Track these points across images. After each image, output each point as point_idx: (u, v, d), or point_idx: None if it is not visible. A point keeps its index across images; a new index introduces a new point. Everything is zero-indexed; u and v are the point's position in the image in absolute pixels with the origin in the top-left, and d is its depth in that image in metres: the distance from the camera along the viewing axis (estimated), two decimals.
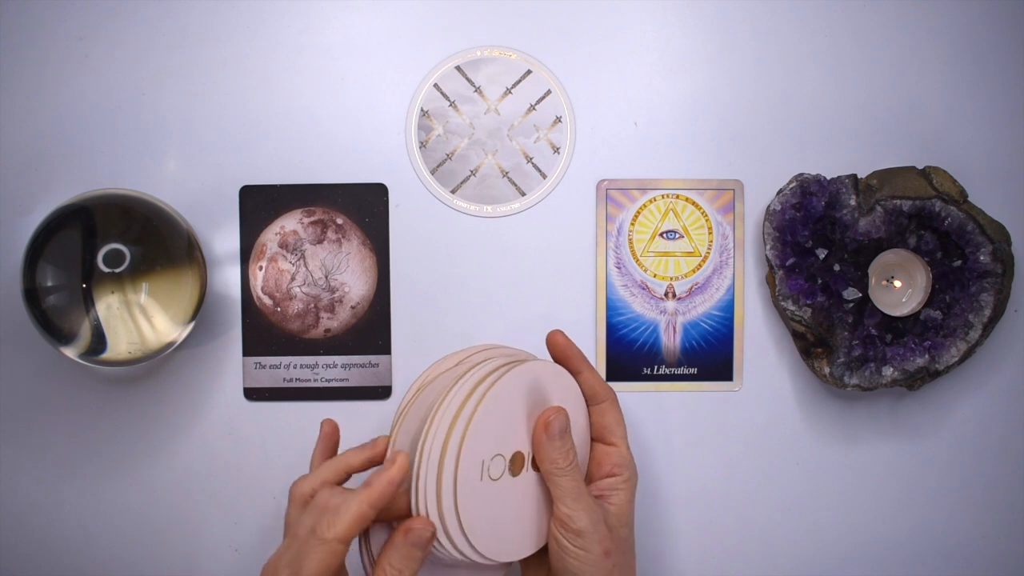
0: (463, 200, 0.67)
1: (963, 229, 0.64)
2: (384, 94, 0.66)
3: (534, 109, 0.67)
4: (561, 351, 0.60)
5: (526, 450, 0.57)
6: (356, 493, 0.52)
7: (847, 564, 0.68)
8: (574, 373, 0.59)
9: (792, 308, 0.65)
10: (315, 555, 0.52)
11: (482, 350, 0.60)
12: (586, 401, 0.59)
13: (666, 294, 0.67)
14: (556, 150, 0.67)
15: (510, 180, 0.67)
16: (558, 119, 0.67)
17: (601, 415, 0.59)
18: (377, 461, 0.57)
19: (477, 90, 0.66)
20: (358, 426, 0.67)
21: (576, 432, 0.58)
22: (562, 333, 0.60)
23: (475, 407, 0.54)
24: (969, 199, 0.65)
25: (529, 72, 0.66)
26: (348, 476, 0.56)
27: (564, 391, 0.58)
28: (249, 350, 0.66)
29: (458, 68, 0.66)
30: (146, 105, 0.66)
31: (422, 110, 0.66)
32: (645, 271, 0.67)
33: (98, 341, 0.59)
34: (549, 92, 0.67)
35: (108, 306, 0.59)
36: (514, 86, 0.67)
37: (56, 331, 0.59)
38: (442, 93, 0.66)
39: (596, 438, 0.60)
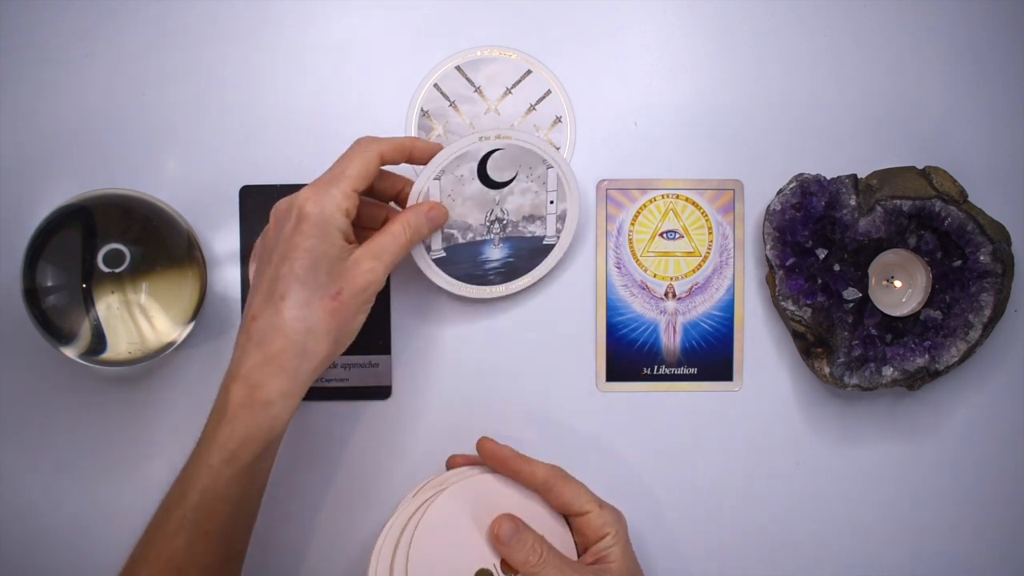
0: None
1: (963, 229, 0.64)
2: (384, 94, 0.66)
3: (534, 109, 0.67)
4: (491, 458, 0.59)
5: (491, 564, 0.57)
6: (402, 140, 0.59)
7: (847, 564, 0.68)
8: (511, 475, 0.59)
9: (792, 308, 0.65)
10: (358, 158, 0.56)
11: (426, 485, 0.60)
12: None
13: (666, 294, 0.67)
14: (556, 150, 0.67)
15: None
16: (558, 119, 0.67)
17: (555, 499, 0.59)
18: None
19: (477, 90, 0.66)
20: (358, 426, 0.67)
21: (544, 518, 0.58)
22: (490, 440, 0.59)
23: (408, 543, 0.55)
24: (969, 199, 0.65)
25: (529, 72, 0.66)
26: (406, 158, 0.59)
27: (513, 488, 0.59)
28: None
29: (458, 68, 0.66)
30: (146, 105, 0.66)
31: (422, 110, 0.66)
32: (645, 271, 0.67)
33: (98, 341, 0.59)
34: (549, 92, 0.67)
35: (108, 306, 0.59)
36: (514, 86, 0.67)
37: (56, 331, 0.59)
38: (442, 93, 0.66)
39: (567, 516, 0.59)
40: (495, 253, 0.64)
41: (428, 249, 0.63)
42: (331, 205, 0.55)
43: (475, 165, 0.62)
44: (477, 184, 0.62)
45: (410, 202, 0.61)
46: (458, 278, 0.64)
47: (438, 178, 0.61)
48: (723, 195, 0.67)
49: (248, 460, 0.54)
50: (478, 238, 0.64)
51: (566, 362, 0.67)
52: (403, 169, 0.64)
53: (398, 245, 0.57)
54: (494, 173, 0.62)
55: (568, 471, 0.67)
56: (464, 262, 0.64)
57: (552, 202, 0.63)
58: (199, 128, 0.66)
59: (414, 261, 0.63)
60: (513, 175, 0.63)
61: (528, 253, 0.65)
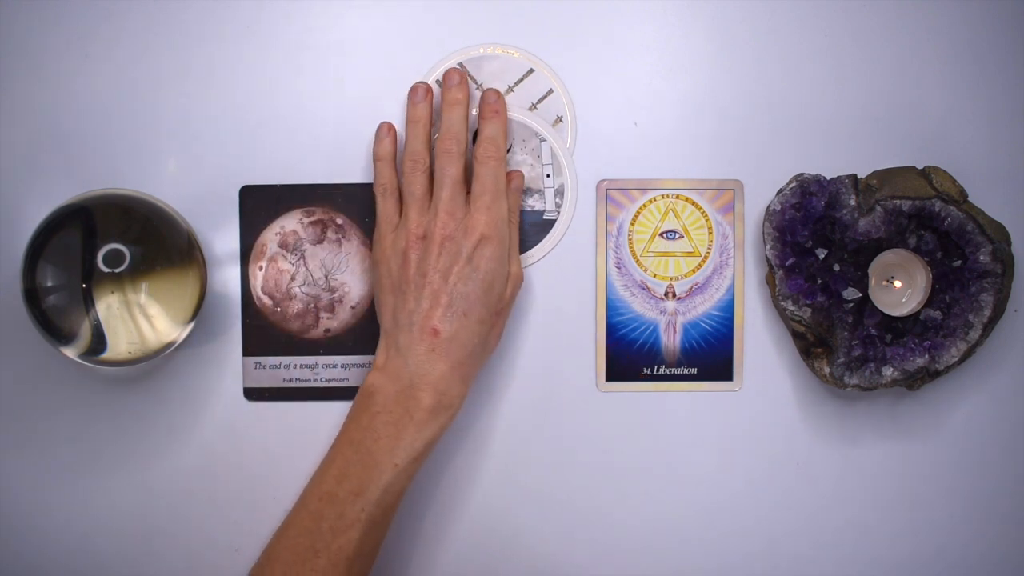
0: None
1: (963, 229, 0.64)
2: (386, 91, 0.66)
3: (536, 108, 0.67)
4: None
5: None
6: (488, 118, 0.64)
7: (847, 564, 0.68)
8: None
9: (792, 308, 0.65)
10: (502, 173, 0.63)
11: None
12: None
13: (666, 294, 0.67)
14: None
15: None
16: (559, 118, 0.67)
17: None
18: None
19: (479, 87, 0.66)
20: None
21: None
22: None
23: None
24: (969, 199, 0.65)
25: (531, 71, 0.66)
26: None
27: None
28: (249, 350, 0.66)
29: (460, 65, 0.66)
30: (146, 105, 0.66)
31: None
32: (645, 271, 0.67)
33: (98, 341, 0.59)
34: (551, 91, 0.67)
35: (108, 306, 0.59)
36: (516, 84, 0.67)
37: (56, 331, 0.59)
38: None
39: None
40: None
41: None
42: (504, 227, 0.62)
43: (470, 137, 0.64)
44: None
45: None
46: None
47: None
48: (723, 195, 0.67)
49: (427, 457, 0.61)
50: None
51: (566, 362, 0.67)
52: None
53: (515, 237, 0.64)
54: None
55: (568, 471, 0.67)
56: None
57: (548, 175, 0.65)
58: (199, 128, 0.66)
59: None
60: (507, 148, 0.65)
61: (530, 228, 0.66)
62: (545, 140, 0.65)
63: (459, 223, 0.61)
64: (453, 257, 0.60)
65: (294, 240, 0.66)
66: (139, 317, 0.60)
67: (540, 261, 0.67)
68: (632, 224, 0.67)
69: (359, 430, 0.60)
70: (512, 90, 0.66)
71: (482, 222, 0.60)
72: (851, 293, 0.64)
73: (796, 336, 0.66)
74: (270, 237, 0.66)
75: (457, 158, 0.62)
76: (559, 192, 0.66)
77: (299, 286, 0.66)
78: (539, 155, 0.66)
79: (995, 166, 0.67)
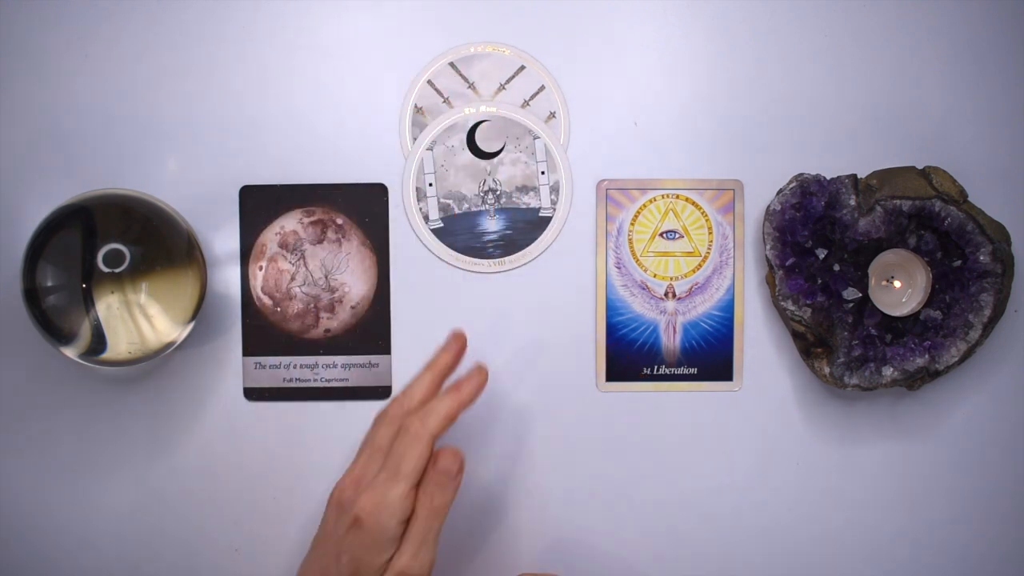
0: None
1: (963, 229, 0.64)
2: (381, 93, 0.66)
3: (528, 104, 0.67)
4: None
5: None
6: (447, 394, 0.58)
7: (847, 564, 0.68)
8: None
9: (792, 308, 0.65)
10: (413, 452, 0.55)
11: None
12: None
13: (666, 294, 0.67)
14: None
15: None
16: (552, 114, 0.67)
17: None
18: (459, 354, 0.61)
19: (471, 86, 0.67)
20: (358, 426, 0.66)
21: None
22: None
23: None
24: (969, 199, 0.65)
25: (523, 68, 0.67)
26: (444, 379, 0.60)
27: None
28: (249, 350, 0.66)
29: (451, 64, 0.67)
30: (146, 105, 0.66)
31: (416, 106, 0.66)
32: (645, 271, 0.67)
33: (98, 341, 0.59)
34: (543, 88, 0.67)
35: (108, 306, 0.59)
36: (508, 82, 0.67)
37: (56, 331, 0.59)
38: (436, 90, 0.66)
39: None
40: (492, 225, 0.66)
41: (426, 219, 0.66)
42: (387, 515, 0.54)
43: (464, 136, 0.65)
44: (468, 155, 0.65)
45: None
46: (457, 250, 0.66)
47: (431, 149, 0.65)
48: (723, 195, 0.67)
49: None
50: (473, 208, 0.66)
51: (566, 362, 0.67)
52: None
53: (429, 528, 0.55)
54: (483, 143, 0.66)
55: (568, 470, 0.67)
56: (462, 233, 0.66)
57: (543, 172, 0.66)
58: (199, 128, 0.66)
59: (413, 234, 0.66)
60: (501, 145, 0.66)
61: (525, 225, 0.66)
62: (539, 137, 0.65)
63: (357, 494, 0.55)
64: (334, 529, 0.55)
65: (294, 240, 0.66)
66: (139, 317, 0.60)
67: (537, 259, 0.67)
68: (632, 224, 0.67)
69: None
70: (504, 87, 0.66)
71: (362, 502, 0.54)
72: (851, 293, 0.64)
73: (796, 336, 0.66)
74: (270, 237, 0.66)
75: (387, 423, 0.57)
76: (554, 189, 0.66)
77: (299, 286, 0.67)
78: (533, 152, 0.66)
79: (995, 166, 0.67)
